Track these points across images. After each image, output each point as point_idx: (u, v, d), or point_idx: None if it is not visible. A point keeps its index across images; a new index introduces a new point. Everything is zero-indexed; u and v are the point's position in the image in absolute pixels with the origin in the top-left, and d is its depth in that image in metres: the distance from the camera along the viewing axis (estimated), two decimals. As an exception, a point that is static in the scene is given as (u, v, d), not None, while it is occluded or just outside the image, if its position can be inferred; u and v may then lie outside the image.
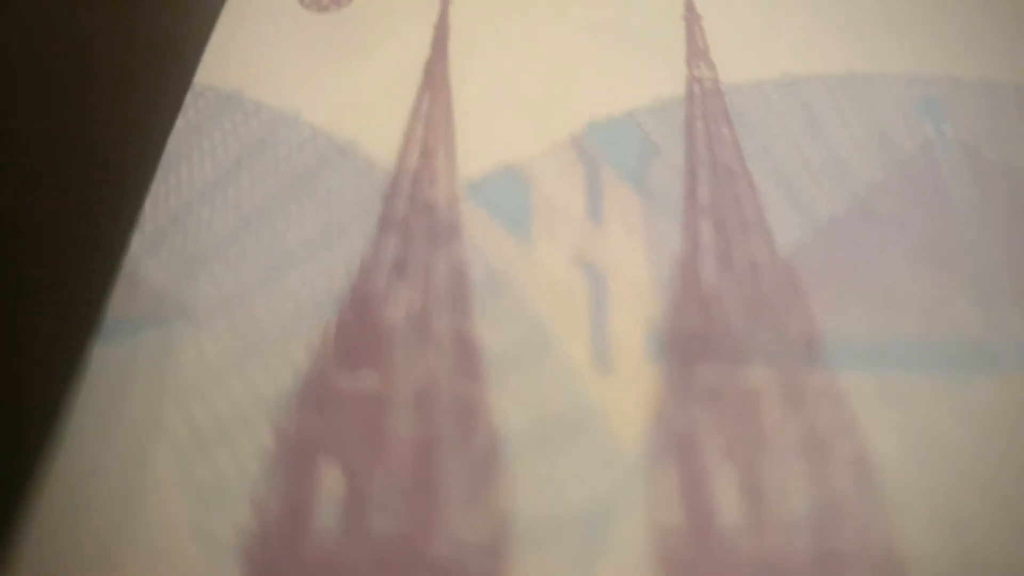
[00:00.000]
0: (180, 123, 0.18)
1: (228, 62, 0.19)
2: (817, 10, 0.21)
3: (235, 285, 0.16)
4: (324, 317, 0.16)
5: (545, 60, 0.20)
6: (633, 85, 0.19)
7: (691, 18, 0.20)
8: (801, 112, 0.19)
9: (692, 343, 0.15)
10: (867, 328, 0.16)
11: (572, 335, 0.15)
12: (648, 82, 0.19)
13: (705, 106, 0.19)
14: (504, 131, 0.18)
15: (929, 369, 0.15)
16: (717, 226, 0.17)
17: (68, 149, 0.18)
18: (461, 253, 0.17)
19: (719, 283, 0.16)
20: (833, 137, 0.18)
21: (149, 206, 0.17)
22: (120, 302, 0.16)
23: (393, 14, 0.20)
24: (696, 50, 0.20)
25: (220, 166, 0.18)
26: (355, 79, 0.19)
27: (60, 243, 0.17)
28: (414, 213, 0.17)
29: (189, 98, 0.19)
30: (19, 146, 0.18)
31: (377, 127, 0.18)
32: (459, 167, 0.18)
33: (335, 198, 0.17)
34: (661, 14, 0.20)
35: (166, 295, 0.16)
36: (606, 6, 0.21)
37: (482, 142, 0.18)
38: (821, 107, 0.19)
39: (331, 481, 0.14)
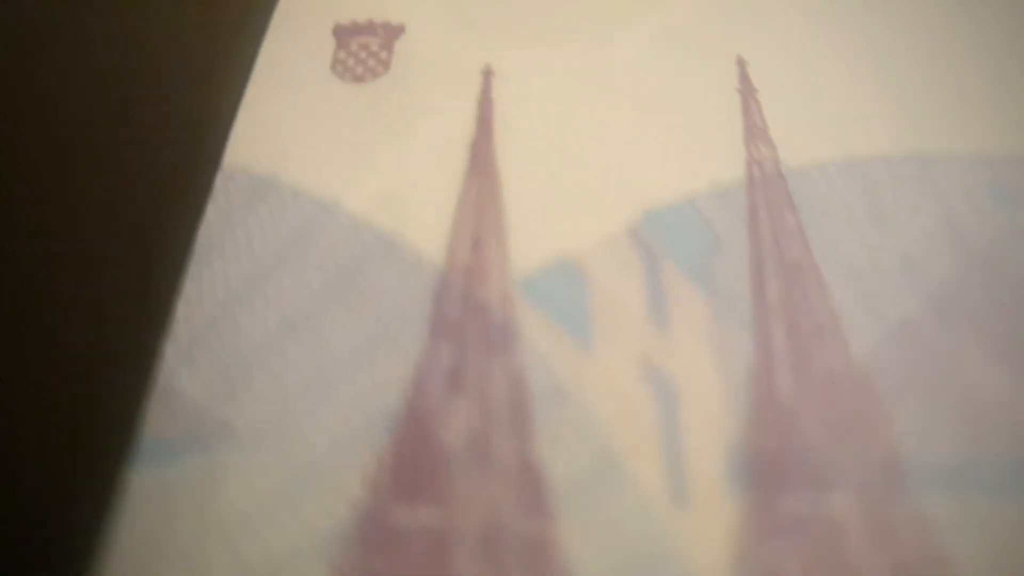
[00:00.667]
0: (211, 211, 0.17)
1: (258, 140, 0.18)
2: (878, 84, 0.20)
3: (280, 400, 0.15)
4: (377, 438, 0.15)
5: (594, 138, 0.19)
6: (689, 167, 0.18)
7: (746, 91, 0.20)
8: (866, 198, 0.18)
9: (771, 468, 0.14)
10: (950, 446, 0.15)
11: (643, 459, 0.14)
12: (705, 164, 0.18)
13: (767, 191, 0.18)
14: (555, 219, 0.17)
15: (1019, 494, 0.14)
16: (789, 330, 0.16)
17: (88, 239, 0.17)
18: (519, 360, 0.16)
19: (795, 396, 0.15)
20: (902, 226, 0.17)
21: (182, 308, 0.16)
22: (156, 418, 0.15)
23: (432, 84, 0.19)
24: (754, 128, 0.19)
25: (257, 261, 0.17)
26: (396, 160, 0.18)
27: (89, 353, 0.15)
28: (467, 315, 0.16)
29: (219, 182, 0.18)
30: (34, 238, 0.17)
31: (422, 215, 0.17)
32: (511, 261, 0.17)
33: (383, 298, 0.16)
34: (715, 87, 0.19)
35: (206, 411, 0.15)
36: (657, 78, 0.20)
37: (533, 232, 0.17)
38: (887, 192, 0.18)
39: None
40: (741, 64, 0.20)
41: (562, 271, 0.17)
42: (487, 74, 0.20)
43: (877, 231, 0.17)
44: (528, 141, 0.18)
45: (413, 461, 0.14)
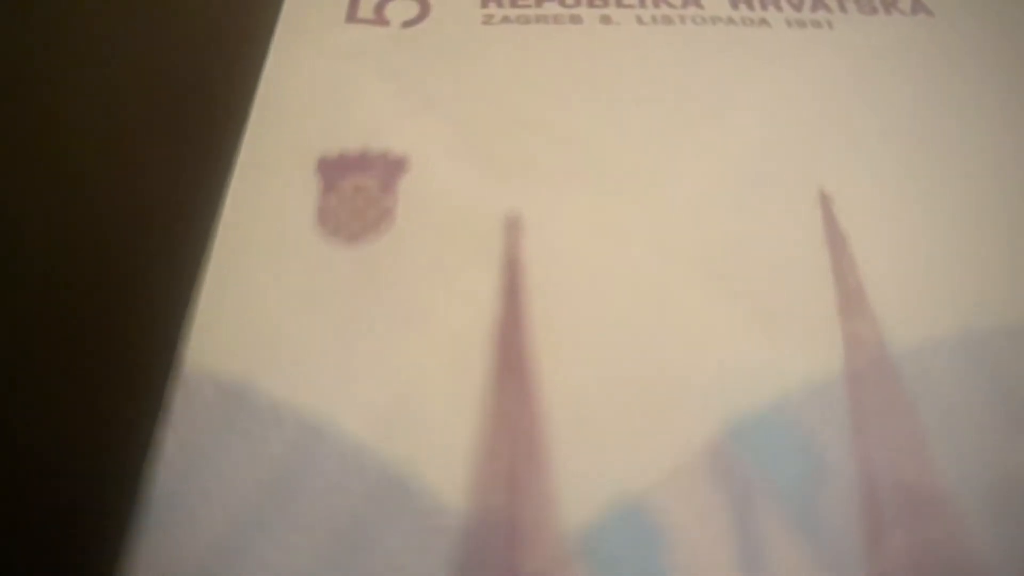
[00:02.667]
0: (170, 442, 0.13)
1: (228, 333, 0.14)
2: (995, 235, 0.16)
3: None
4: None
5: (655, 318, 0.15)
6: (775, 354, 0.14)
7: (835, 243, 0.16)
8: (993, 385, 0.14)
9: None
10: None
11: None
12: (794, 348, 0.15)
13: (874, 386, 0.14)
14: (613, 441, 0.14)
15: None
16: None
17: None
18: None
19: None
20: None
21: (136, 588, 0.12)
22: None
23: (445, 244, 0.16)
24: (849, 293, 0.15)
25: (233, 513, 0.13)
26: (405, 361, 0.14)
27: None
28: (507, 592, 0.12)
29: (180, 397, 0.14)
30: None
31: (439, 438, 0.13)
32: (560, 506, 0.13)
33: (394, 561, 0.12)
34: (797, 236, 0.16)
35: None
36: (724, 230, 0.16)
37: (586, 463, 0.13)
38: (1015, 371, 0.14)
39: None
40: (826, 204, 0.16)
41: (627, 520, 0.13)
42: (513, 225, 0.16)
43: (1011, 432, 0.14)
44: (570, 325, 0.15)
45: None
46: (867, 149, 0.17)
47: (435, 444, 0.13)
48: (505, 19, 0.19)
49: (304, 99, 0.18)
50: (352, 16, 0.19)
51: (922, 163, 0.17)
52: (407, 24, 0.19)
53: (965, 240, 0.16)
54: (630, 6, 0.20)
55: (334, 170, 0.16)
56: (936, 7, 0.20)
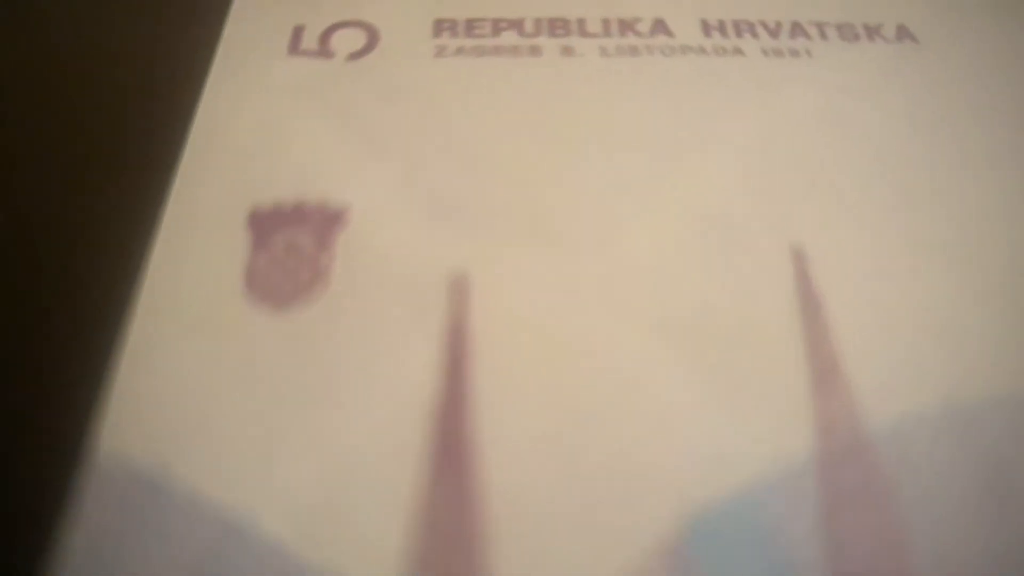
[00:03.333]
0: (77, 539, 0.12)
1: (145, 413, 0.13)
2: (980, 299, 0.15)
3: None
4: None
5: (611, 394, 0.14)
6: (741, 436, 0.13)
7: (810, 308, 0.15)
8: (978, 465, 0.13)
9: None
10: None
11: None
12: (759, 432, 0.13)
13: (846, 471, 0.13)
14: (561, 544, 0.12)
15: None
16: None
17: None
18: None
19: None
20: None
21: None
22: None
23: (383, 310, 0.14)
24: (822, 363, 0.14)
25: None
26: (334, 449, 0.13)
27: None
28: None
29: (90, 487, 0.13)
30: None
31: (368, 541, 0.12)
32: (501, 616, 0.12)
33: None
34: (765, 297, 0.14)
35: None
36: (683, 293, 0.15)
37: (529, 566, 0.12)
38: (1003, 447, 0.13)
39: None
40: (800, 262, 0.15)
41: (574, 632, 0.12)
42: (459, 287, 0.15)
43: (1001, 514, 0.13)
44: (518, 405, 0.13)
45: None
46: (846, 198, 0.16)
47: (363, 548, 0.12)
48: (459, 51, 0.18)
49: (239, 142, 0.16)
50: (295, 48, 0.18)
51: (906, 215, 0.15)
52: (353, 56, 0.18)
53: (950, 303, 0.15)
54: (594, 35, 0.18)
55: (266, 224, 0.15)
56: (922, 33, 0.19)
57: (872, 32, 0.19)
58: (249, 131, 0.16)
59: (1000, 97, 0.18)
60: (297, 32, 0.18)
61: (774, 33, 0.19)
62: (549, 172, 0.16)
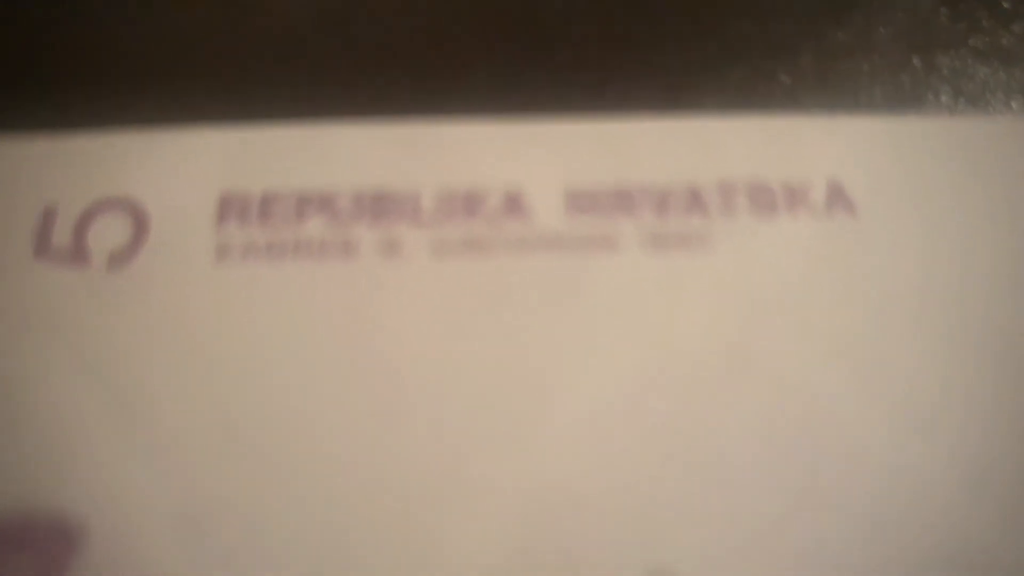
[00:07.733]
0: None
1: None
2: None
3: None
4: None
5: None
6: None
7: None
8: None
9: None
10: None
11: None
12: None
13: None
14: None
15: None
16: None
17: None
18: None
19: None
20: None
21: None
22: None
23: None
24: None
25: None
26: None
27: None
28: None
29: None
30: None
31: None
32: None
33: None
34: None
35: None
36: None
37: None
38: None
39: None
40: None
41: None
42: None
43: None
44: None
45: None
46: (719, 514, 0.12)
47: None
48: (248, 250, 0.14)
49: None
50: (43, 248, 0.14)
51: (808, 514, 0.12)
52: (114, 261, 0.14)
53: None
54: (426, 225, 0.14)
55: (-16, 550, 0.12)
56: (861, 200, 0.14)
57: (795, 202, 0.14)
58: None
59: (956, 299, 0.14)
60: (46, 224, 0.14)
61: (660, 208, 0.14)
62: (356, 444, 0.13)
